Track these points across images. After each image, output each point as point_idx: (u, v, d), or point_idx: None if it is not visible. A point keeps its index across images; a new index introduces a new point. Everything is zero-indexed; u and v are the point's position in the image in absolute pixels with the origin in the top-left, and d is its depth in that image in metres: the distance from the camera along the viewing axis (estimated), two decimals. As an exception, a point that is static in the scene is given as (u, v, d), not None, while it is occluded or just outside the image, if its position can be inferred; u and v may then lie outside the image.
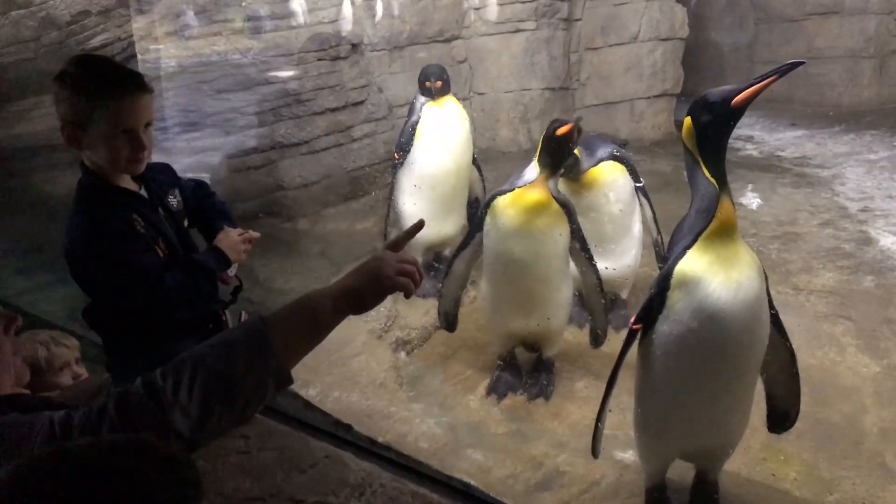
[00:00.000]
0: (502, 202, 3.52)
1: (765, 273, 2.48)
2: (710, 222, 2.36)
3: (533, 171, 3.53)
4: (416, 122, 4.78)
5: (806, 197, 6.38)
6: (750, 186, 6.57)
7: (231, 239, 2.42)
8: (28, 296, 4.50)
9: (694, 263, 2.37)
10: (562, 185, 4.00)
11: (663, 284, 2.43)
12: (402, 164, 4.83)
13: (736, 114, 2.34)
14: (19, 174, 6.40)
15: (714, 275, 2.33)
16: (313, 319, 1.48)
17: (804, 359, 3.76)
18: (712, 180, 2.37)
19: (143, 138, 2.15)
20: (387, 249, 1.61)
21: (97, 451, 1.02)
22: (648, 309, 2.49)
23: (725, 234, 2.36)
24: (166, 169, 2.48)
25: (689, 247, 2.39)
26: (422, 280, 1.60)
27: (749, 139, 8.30)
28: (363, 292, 1.50)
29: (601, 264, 3.79)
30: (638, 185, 4.28)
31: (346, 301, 1.48)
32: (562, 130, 3.43)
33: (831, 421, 3.54)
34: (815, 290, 4.70)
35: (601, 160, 4.10)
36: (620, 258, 4.29)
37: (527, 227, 3.46)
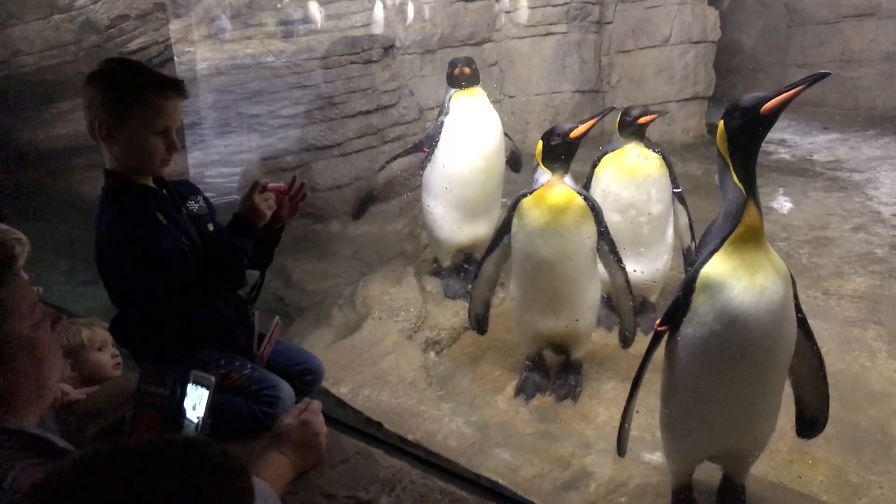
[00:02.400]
0: (527, 203, 3.57)
1: (792, 278, 2.49)
2: (735, 227, 2.38)
3: (544, 174, 3.58)
4: (445, 118, 4.70)
5: (838, 201, 6.34)
6: (781, 190, 6.54)
7: (248, 202, 2.28)
8: (69, 295, 4.61)
9: (719, 267, 2.40)
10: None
11: (689, 287, 2.46)
12: (428, 159, 4.76)
13: (765, 121, 2.36)
14: (60, 174, 6.54)
15: (738, 280, 2.36)
16: None
17: (834, 364, 3.75)
18: (740, 186, 2.39)
19: (175, 139, 2.25)
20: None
21: (156, 450, 1.04)
22: (674, 311, 2.52)
23: (751, 239, 2.38)
24: (187, 182, 2.55)
25: (714, 251, 2.42)
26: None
27: (781, 143, 8.25)
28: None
29: (632, 267, 3.82)
30: (676, 190, 4.31)
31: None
32: (576, 133, 3.51)
33: (860, 426, 3.52)
34: (845, 294, 4.68)
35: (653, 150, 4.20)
36: (652, 263, 4.31)
37: (553, 225, 3.49)
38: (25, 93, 6.62)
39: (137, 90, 2.18)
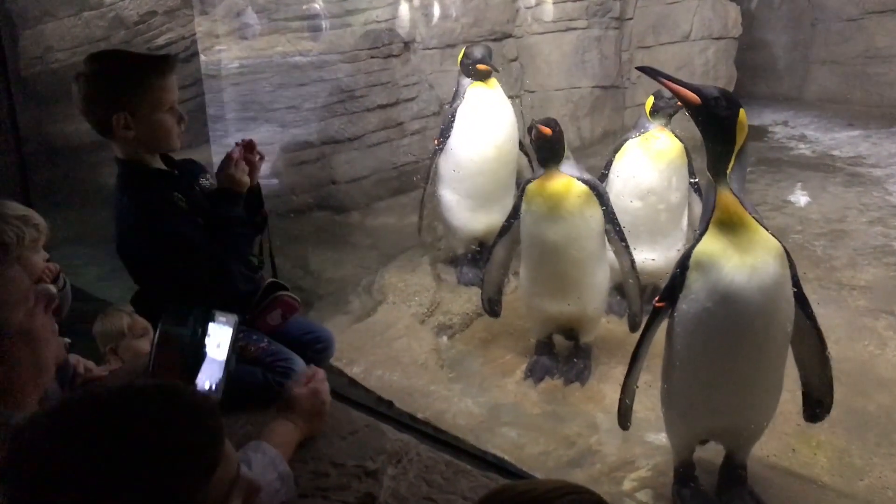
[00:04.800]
0: (532, 190, 3.68)
1: (789, 257, 2.54)
2: (711, 213, 2.50)
3: (540, 169, 3.71)
4: (458, 107, 4.70)
5: (857, 195, 6.29)
6: (799, 185, 6.51)
7: (227, 174, 2.41)
8: (100, 283, 4.73)
9: (709, 247, 2.49)
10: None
11: (684, 264, 2.54)
12: (441, 149, 4.77)
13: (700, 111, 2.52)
14: (88, 166, 6.70)
15: (727, 259, 2.44)
16: None
17: (843, 351, 3.77)
18: (709, 175, 2.54)
19: (180, 111, 2.36)
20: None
21: (127, 395, 1.06)
22: (671, 287, 2.59)
23: (732, 222, 2.47)
24: (192, 160, 2.63)
25: (703, 234, 2.52)
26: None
27: (802, 138, 8.19)
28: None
29: (647, 255, 3.87)
30: (692, 181, 4.35)
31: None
32: (546, 131, 3.61)
33: (867, 410, 3.55)
34: (858, 285, 4.68)
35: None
36: (667, 251, 4.31)
37: (557, 211, 3.58)
38: (56, 87, 6.77)
39: (140, 78, 2.27)
